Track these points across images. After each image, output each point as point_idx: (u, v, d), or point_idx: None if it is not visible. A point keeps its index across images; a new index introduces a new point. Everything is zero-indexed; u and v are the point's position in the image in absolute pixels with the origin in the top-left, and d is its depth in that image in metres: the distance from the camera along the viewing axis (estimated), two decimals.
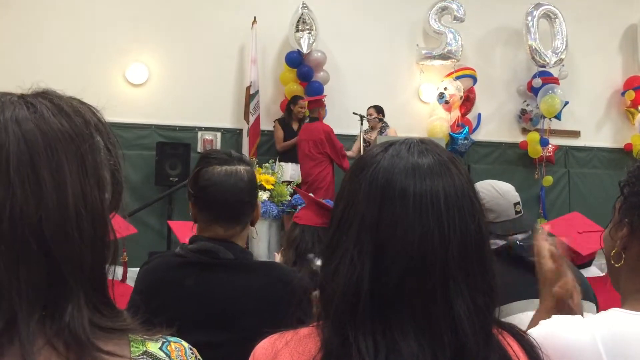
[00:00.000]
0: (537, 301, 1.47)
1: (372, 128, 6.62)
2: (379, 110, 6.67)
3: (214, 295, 1.51)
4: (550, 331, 0.94)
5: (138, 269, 1.68)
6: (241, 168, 1.58)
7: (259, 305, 1.50)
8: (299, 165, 6.48)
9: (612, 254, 1.01)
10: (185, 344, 0.76)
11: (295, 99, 6.65)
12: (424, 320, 0.78)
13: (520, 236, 1.85)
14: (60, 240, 0.63)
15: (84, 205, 0.65)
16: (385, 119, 6.69)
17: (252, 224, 1.67)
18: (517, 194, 1.93)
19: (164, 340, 0.74)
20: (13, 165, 0.62)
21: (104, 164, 0.70)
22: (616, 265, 1.00)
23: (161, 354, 0.71)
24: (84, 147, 0.67)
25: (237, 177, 1.55)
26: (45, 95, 0.70)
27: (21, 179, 0.62)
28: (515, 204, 1.90)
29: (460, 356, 0.77)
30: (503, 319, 0.90)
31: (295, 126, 6.60)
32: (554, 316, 1.00)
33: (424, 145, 0.87)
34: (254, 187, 1.60)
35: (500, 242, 1.82)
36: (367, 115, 6.54)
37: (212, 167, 1.56)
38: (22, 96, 0.68)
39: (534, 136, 7.66)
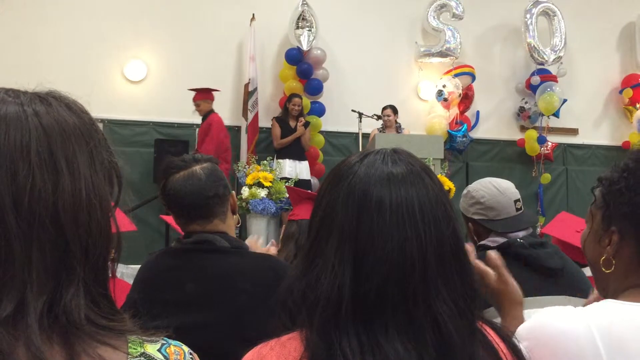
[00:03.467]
0: (536, 299, 1.47)
1: (387, 127, 6.65)
2: (395, 110, 6.70)
3: (209, 277, 1.60)
4: (545, 321, 0.95)
5: (136, 265, 1.73)
6: (197, 168, 1.68)
7: (249, 286, 1.58)
8: (296, 162, 6.48)
9: (602, 261, 1.02)
10: (186, 348, 0.75)
11: (290, 97, 6.65)
12: (407, 323, 0.81)
13: (521, 233, 1.85)
14: (73, 225, 0.66)
15: (94, 194, 0.69)
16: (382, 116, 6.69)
17: (233, 213, 1.76)
18: (517, 191, 1.93)
19: (164, 342, 0.74)
20: (33, 151, 0.66)
21: (106, 160, 0.73)
22: (607, 271, 1.01)
23: (159, 356, 0.71)
24: (92, 143, 0.71)
25: (195, 178, 1.65)
26: (54, 94, 0.73)
27: (40, 164, 0.65)
28: (516, 201, 1.89)
29: (445, 355, 0.80)
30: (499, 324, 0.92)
31: (292, 124, 6.58)
32: (547, 307, 1.01)
33: (397, 155, 0.90)
34: (215, 179, 1.69)
35: (501, 240, 1.82)
36: (384, 116, 6.62)
37: (172, 176, 1.68)
38: (36, 94, 0.72)
39: (532, 134, 7.66)
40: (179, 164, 1.69)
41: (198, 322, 1.49)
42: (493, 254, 1.23)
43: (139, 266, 1.75)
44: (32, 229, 0.64)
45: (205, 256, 1.63)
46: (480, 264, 1.27)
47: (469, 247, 1.28)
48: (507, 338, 0.90)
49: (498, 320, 1.26)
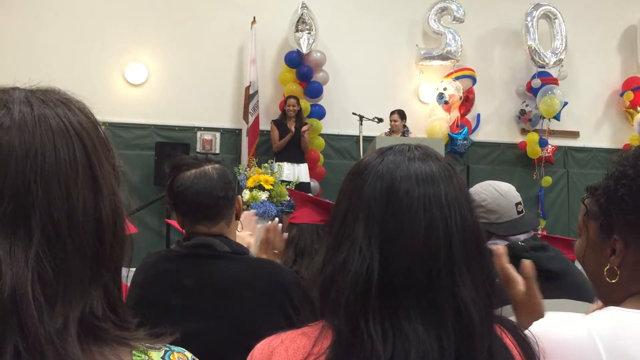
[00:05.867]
0: None
1: (393, 132, 6.65)
2: (402, 115, 6.69)
3: (209, 284, 1.58)
4: (546, 328, 0.94)
5: (135, 269, 1.71)
6: (209, 167, 1.65)
7: (249, 294, 1.56)
8: (294, 165, 6.49)
9: (606, 271, 1.00)
10: (189, 354, 0.75)
11: (286, 99, 6.67)
12: (430, 306, 0.82)
13: (522, 236, 1.85)
14: (111, 235, 0.66)
15: (119, 202, 0.69)
16: (384, 119, 6.69)
17: (237, 218, 1.73)
18: (517, 194, 1.93)
19: (167, 349, 0.73)
20: (79, 165, 0.65)
21: (114, 165, 0.73)
22: (612, 281, 0.99)
23: None
24: (107, 149, 0.71)
25: (207, 177, 1.63)
26: (66, 96, 0.71)
27: (85, 179, 0.65)
28: (517, 204, 1.89)
29: (465, 341, 0.80)
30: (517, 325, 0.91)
31: (291, 126, 6.59)
32: (548, 314, 1.00)
33: (422, 150, 0.92)
34: (227, 181, 1.66)
35: (502, 243, 1.82)
36: (391, 121, 6.61)
37: (182, 173, 1.64)
38: (47, 91, 0.70)
39: (533, 137, 7.66)
40: (190, 161, 1.66)
41: (197, 330, 1.46)
42: (528, 264, 1.20)
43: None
44: (82, 243, 0.64)
45: (205, 262, 1.60)
46: (511, 269, 1.23)
47: (501, 249, 1.26)
48: (524, 343, 0.89)
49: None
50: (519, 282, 1.20)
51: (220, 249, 1.61)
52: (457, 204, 0.86)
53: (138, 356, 0.69)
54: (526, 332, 0.91)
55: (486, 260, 0.88)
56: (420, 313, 0.81)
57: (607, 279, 1.00)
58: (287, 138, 6.46)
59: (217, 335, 1.50)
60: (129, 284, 2.08)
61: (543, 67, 7.62)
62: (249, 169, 6.09)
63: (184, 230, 1.72)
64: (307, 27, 6.90)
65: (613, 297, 1.01)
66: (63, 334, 0.61)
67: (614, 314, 0.94)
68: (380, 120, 6.30)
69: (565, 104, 7.57)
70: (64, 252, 0.62)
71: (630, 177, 0.97)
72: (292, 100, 6.60)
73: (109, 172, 0.69)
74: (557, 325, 0.94)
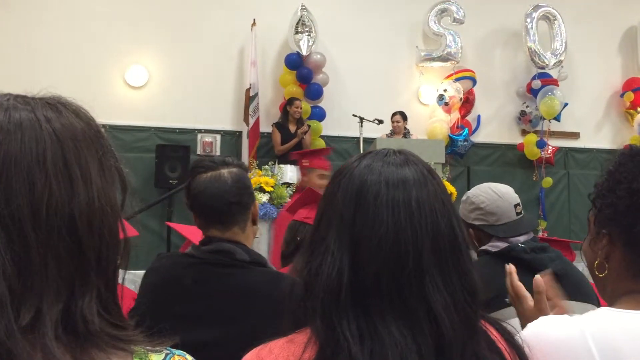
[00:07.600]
0: None
1: (395, 133, 6.68)
2: (404, 117, 6.73)
3: (226, 294, 1.55)
4: (539, 330, 0.95)
5: (138, 271, 1.69)
6: (224, 171, 1.64)
7: (264, 306, 1.53)
8: (297, 167, 6.48)
9: (595, 265, 1.03)
10: (190, 358, 0.75)
11: (291, 100, 6.67)
12: (403, 311, 0.83)
13: (522, 238, 1.85)
14: (89, 233, 0.66)
15: (105, 201, 0.69)
16: (385, 121, 6.70)
17: (254, 223, 1.72)
18: (516, 195, 1.93)
19: (168, 352, 0.73)
20: (49, 160, 0.65)
21: (113, 166, 0.73)
22: (600, 275, 1.02)
23: None
24: (101, 150, 0.71)
25: (220, 181, 1.62)
26: (61, 100, 0.72)
27: (56, 174, 0.65)
28: (516, 205, 1.90)
29: (443, 346, 0.81)
30: (502, 322, 0.92)
31: (292, 128, 6.60)
32: (541, 317, 1.01)
33: (403, 155, 0.93)
34: (242, 186, 1.65)
35: (502, 245, 1.82)
36: (393, 122, 6.64)
37: (199, 175, 1.64)
38: (44, 100, 0.71)
39: (531, 138, 7.66)
40: (207, 164, 1.66)
41: (211, 339, 1.45)
42: (539, 279, 1.21)
43: (142, 271, 1.71)
44: (50, 239, 0.63)
45: (223, 270, 1.57)
46: (522, 286, 1.24)
47: (512, 268, 1.26)
48: (509, 336, 0.90)
49: (515, 320, 1.24)
50: (529, 298, 1.22)
51: (240, 257, 1.59)
52: (429, 209, 0.86)
53: (139, 359, 0.69)
54: (520, 333, 0.93)
55: (463, 265, 0.87)
56: (393, 316, 0.82)
57: (597, 272, 1.03)
58: (293, 143, 6.46)
59: (231, 346, 1.48)
60: (127, 286, 2.06)
61: (543, 68, 7.63)
62: (249, 171, 6.10)
63: (188, 234, 1.70)
64: (307, 29, 6.91)
65: (607, 292, 1.04)
66: (33, 331, 0.60)
67: (606, 314, 0.95)
68: (380, 121, 6.29)
69: (566, 105, 7.57)
70: (27, 245, 0.62)
71: (611, 172, 1.03)
72: (299, 102, 6.62)
73: (96, 172, 0.69)
74: (550, 326, 0.95)
